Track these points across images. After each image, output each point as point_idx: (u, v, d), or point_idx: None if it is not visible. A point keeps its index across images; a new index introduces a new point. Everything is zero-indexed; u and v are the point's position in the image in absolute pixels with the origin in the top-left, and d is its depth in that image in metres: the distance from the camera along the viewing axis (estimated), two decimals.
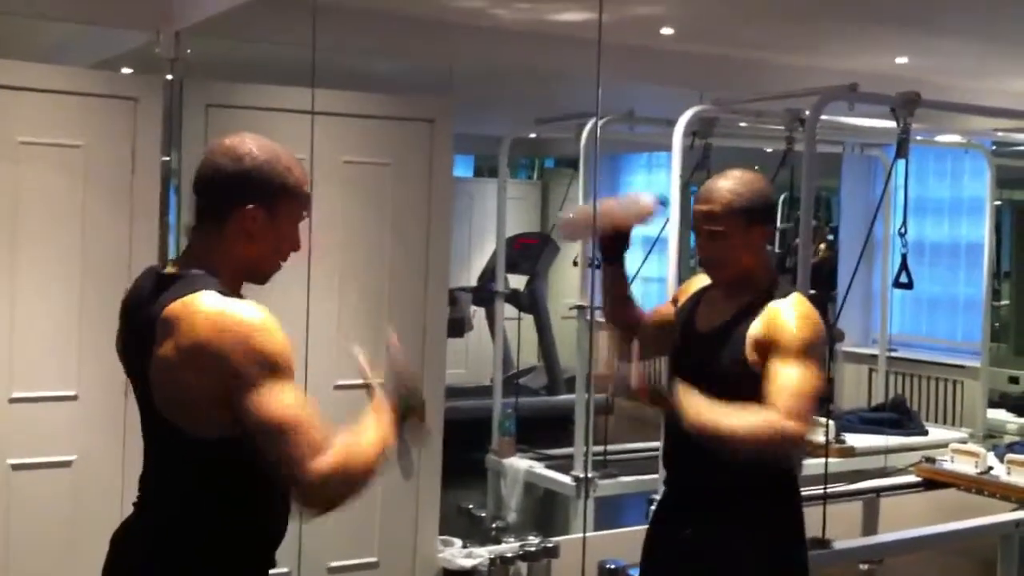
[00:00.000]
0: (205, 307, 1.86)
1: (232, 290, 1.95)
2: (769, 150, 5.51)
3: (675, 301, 2.84)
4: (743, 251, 2.55)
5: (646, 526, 2.85)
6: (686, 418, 2.30)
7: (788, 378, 2.36)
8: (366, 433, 1.92)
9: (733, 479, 2.53)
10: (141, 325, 1.95)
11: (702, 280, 2.72)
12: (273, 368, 1.84)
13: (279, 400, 1.82)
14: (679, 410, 2.30)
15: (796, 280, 3.80)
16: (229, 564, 1.90)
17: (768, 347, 2.44)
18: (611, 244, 2.84)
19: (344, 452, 1.84)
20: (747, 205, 2.53)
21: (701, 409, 2.31)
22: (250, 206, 1.94)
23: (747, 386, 2.46)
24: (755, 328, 2.48)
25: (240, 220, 1.94)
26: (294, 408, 1.83)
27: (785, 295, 2.53)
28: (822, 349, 2.50)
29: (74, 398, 3.67)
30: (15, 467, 3.57)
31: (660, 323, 2.84)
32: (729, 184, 2.56)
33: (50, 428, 3.63)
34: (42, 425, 3.62)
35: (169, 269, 1.99)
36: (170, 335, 1.87)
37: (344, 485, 1.83)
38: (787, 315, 2.45)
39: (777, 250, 7.25)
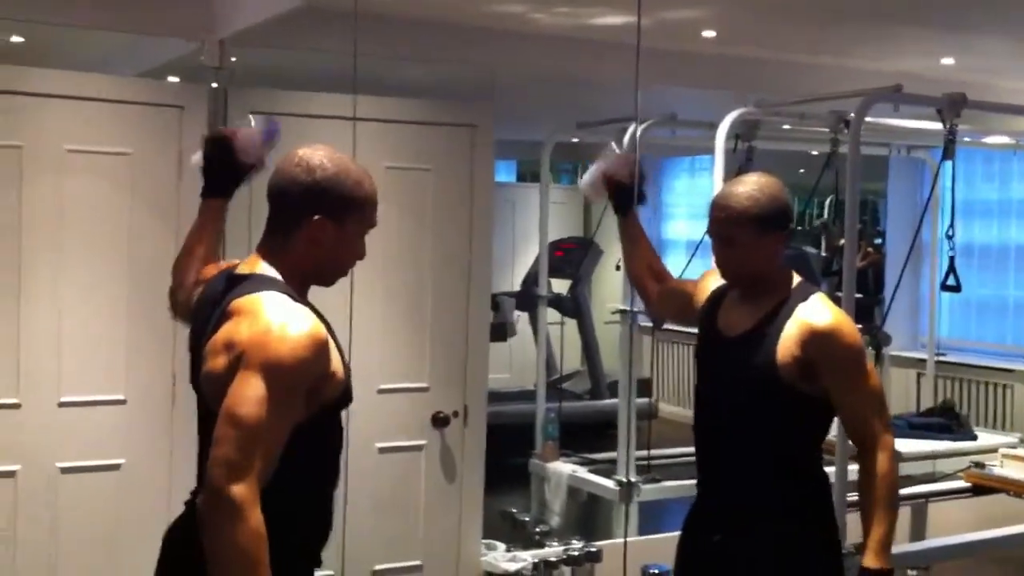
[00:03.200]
0: (265, 306, 1.94)
1: (299, 293, 2.04)
2: (815, 152, 5.47)
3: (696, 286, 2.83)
4: (760, 258, 2.53)
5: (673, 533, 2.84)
6: (887, 546, 2.46)
7: (860, 402, 2.48)
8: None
9: (763, 484, 2.53)
10: (207, 320, 2.04)
11: (719, 279, 2.69)
12: (270, 373, 1.87)
13: (253, 398, 1.85)
14: (881, 551, 2.45)
15: (841, 284, 3.78)
16: (280, 559, 1.91)
17: (818, 370, 2.46)
18: (616, 197, 3.00)
19: (257, 526, 1.82)
20: (762, 212, 2.50)
21: (882, 531, 2.46)
22: (318, 217, 2.03)
23: (777, 391, 2.47)
24: (788, 337, 2.46)
25: (308, 229, 2.04)
26: (259, 416, 1.84)
27: (806, 296, 2.51)
28: (863, 344, 2.54)
29: (122, 402, 3.72)
30: (64, 470, 3.62)
31: (682, 291, 2.86)
32: (743, 191, 2.52)
33: (98, 432, 3.68)
34: (91, 429, 3.67)
35: (241, 269, 2.08)
36: (226, 324, 1.96)
37: (228, 524, 1.81)
38: (826, 333, 2.45)
39: (823, 253, 7.21)
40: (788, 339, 2.46)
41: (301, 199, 2.03)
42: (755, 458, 2.54)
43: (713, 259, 2.65)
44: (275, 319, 1.91)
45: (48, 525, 3.61)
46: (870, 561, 2.43)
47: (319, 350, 1.93)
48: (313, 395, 1.96)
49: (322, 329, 1.97)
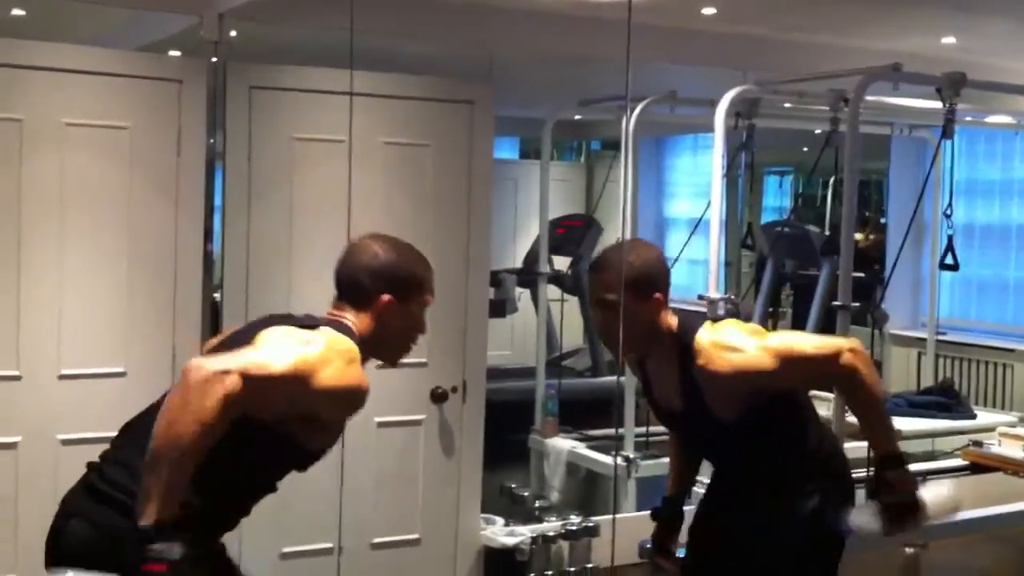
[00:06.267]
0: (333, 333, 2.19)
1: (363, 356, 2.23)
2: (818, 131, 5.46)
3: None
4: (643, 320, 2.53)
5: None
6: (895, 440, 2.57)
7: (799, 366, 2.52)
8: None
9: (772, 464, 2.59)
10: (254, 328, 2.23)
11: None
12: (317, 362, 2.07)
13: (269, 341, 2.09)
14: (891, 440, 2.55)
15: (840, 262, 3.78)
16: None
17: (750, 383, 2.49)
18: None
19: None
20: (641, 275, 2.52)
21: (885, 428, 2.56)
22: (386, 296, 2.28)
23: (738, 425, 2.53)
24: (708, 390, 2.50)
25: (377, 307, 2.28)
26: (282, 361, 2.05)
27: (689, 340, 2.52)
28: (750, 330, 2.59)
29: (122, 375, 3.74)
30: (65, 442, 3.64)
31: None
32: (621, 256, 2.55)
33: (99, 404, 3.69)
34: (91, 401, 3.68)
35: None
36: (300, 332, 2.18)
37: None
38: (720, 357, 2.47)
39: (826, 232, 7.20)
40: (710, 392, 2.50)
41: (370, 281, 2.27)
42: (750, 464, 2.65)
43: (595, 330, 2.69)
44: (345, 355, 2.13)
45: (49, 497, 3.58)
46: (889, 449, 2.52)
47: (355, 400, 2.14)
48: (299, 406, 2.11)
49: (367, 394, 2.16)
